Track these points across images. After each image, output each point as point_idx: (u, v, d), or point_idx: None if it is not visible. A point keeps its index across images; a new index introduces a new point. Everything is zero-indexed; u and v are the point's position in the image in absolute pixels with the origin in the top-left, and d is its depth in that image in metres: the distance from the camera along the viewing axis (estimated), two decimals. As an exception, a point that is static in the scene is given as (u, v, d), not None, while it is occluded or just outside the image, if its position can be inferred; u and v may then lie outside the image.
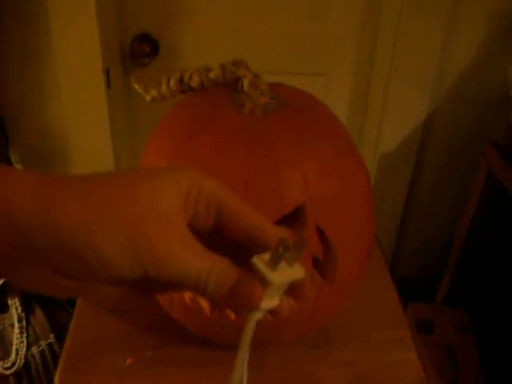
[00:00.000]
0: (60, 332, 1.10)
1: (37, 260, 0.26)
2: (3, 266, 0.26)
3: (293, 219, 0.50)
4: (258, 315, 0.29)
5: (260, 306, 0.28)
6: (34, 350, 1.08)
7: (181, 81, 0.59)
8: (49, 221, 0.25)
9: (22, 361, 1.05)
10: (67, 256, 0.25)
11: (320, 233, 0.50)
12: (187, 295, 0.54)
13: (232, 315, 0.53)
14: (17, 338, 1.04)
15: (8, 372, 1.05)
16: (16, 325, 1.04)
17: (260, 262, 0.29)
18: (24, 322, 1.05)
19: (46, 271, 0.26)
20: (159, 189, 0.27)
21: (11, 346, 1.05)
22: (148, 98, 0.61)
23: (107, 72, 1.13)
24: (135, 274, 0.27)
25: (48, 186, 0.26)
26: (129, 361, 0.61)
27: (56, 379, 0.59)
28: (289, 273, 0.29)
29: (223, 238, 0.31)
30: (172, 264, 0.27)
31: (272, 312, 0.30)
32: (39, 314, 1.09)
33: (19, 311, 1.04)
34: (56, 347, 1.10)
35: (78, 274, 0.26)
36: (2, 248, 0.25)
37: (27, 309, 1.06)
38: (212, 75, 0.57)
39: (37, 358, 1.09)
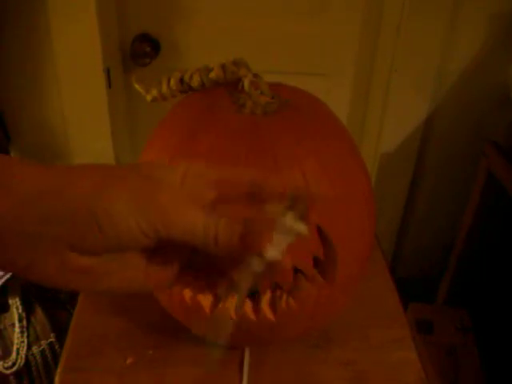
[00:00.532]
0: (61, 331, 1.10)
1: (54, 236, 0.27)
2: (22, 247, 0.27)
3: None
4: (259, 265, 0.30)
5: (266, 251, 0.29)
6: (35, 349, 1.08)
7: (181, 81, 0.59)
8: (66, 193, 0.27)
9: (23, 360, 1.05)
10: (84, 226, 0.27)
11: (320, 233, 0.50)
12: (187, 295, 0.54)
13: (233, 314, 0.53)
14: (17, 338, 1.05)
15: (9, 371, 1.05)
16: (17, 324, 1.04)
17: (272, 208, 0.31)
18: (25, 322, 1.05)
19: (62, 250, 0.28)
20: (159, 168, 0.31)
21: (12, 345, 1.05)
22: (148, 97, 0.62)
23: (108, 71, 1.13)
24: (148, 238, 0.28)
25: (60, 170, 0.29)
26: (129, 360, 0.61)
27: (57, 379, 0.59)
28: (295, 224, 0.31)
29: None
30: (181, 221, 0.28)
31: (271, 267, 0.31)
32: (40, 314, 1.09)
33: (20, 311, 1.04)
34: (57, 347, 1.11)
35: (93, 246, 0.28)
36: (23, 224, 0.27)
37: (28, 308, 1.07)
38: (212, 75, 0.57)
39: (37, 357, 1.09)
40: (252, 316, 0.52)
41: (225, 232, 0.29)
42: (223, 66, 0.57)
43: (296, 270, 0.51)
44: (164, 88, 0.60)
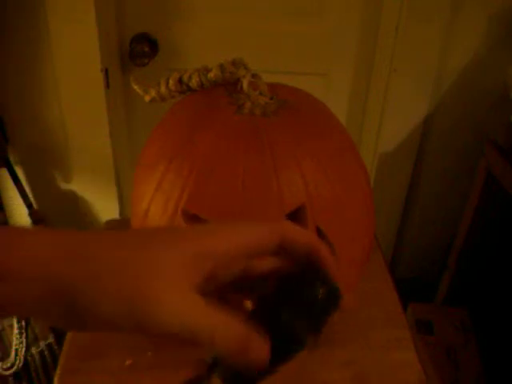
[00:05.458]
0: (59, 333, 1.10)
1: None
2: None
3: (293, 219, 0.50)
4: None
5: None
6: (34, 350, 1.08)
7: (180, 81, 0.59)
8: (56, 280, 0.26)
9: (22, 361, 1.05)
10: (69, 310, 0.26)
11: (319, 233, 0.50)
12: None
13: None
14: (16, 339, 1.04)
15: (7, 373, 1.05)
16: (15, 325, 1.04)
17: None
18: (23, 323, 1.05)
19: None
20: (162, 259, 0.27)
21: (10, 346, 1.05)
22: (147, 98, 0.61)
23: (106, 72, 1.13)
24: (132, 332, 0.27)
25: (57, 253, 0.27)
26: (128, 362, 0.61)
27: (55, 380, 0.59)
28: None
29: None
30: (169, 324, 0.26)
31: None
32: (38, 315, 1.08)
33: (18, 312, 1.04)
34: (55, 348, 1.10)
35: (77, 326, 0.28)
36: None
37: (26, 309, 1.06)
38: (211, 75, 0.57)
39: (36, 358, 1.08)
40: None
41: (221, 341, 0.27)
42: (222, 67, 0.57)
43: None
44: (163, 88, 0.60)
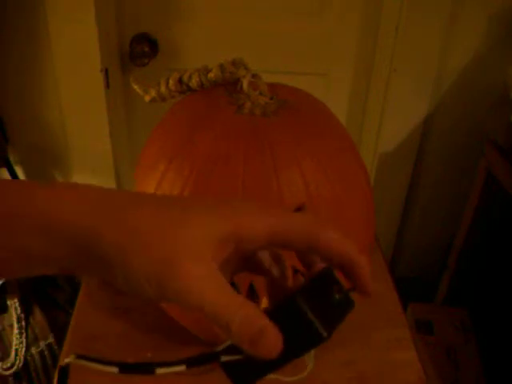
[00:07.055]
0: (59, 332, 1.10)
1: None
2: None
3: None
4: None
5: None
6: (34, 350, 1.08)
7: (180, 81, 0.59)
8: (91, 243, 0.27)
9: (22, 361, 1.05)
10: (104, 271, 0.28)
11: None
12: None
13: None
14: (16, 339, 1.04)
15: (7, 373, 1.05)
16: (15, 325, 1.04)
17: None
18: (23, 323, 1.05)
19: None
20: (197, 234, 0.28)
21: (10, 346, 1.05)
22: (147, 98, 0.61)
23: (106, 72, 1.13)
24: (157, 300, 0.28)
25: (92, 210, 0.28)
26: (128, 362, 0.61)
27: (55, 380, 0.59)
28: None
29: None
30: (192, 299, 0.27)
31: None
32: (38, 315, 1.08)
33: (18, 312, 1.04)
34: (55, 348, 1.10)
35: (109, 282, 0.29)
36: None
37: (26, 309, 1.06)
38: (211, 75, 0.57)
39: (36, 358, 1.08)
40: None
41: (238, 327, 0.27)
42: (222, 67, 0.57)
43: (295, 271, 0.50)
44: (163, 88, 0.60)
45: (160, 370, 0.29)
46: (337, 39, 1.18)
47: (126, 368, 0.31)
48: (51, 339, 1.09)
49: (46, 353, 1.09)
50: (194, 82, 0.58)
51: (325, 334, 0.28)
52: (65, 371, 0.32)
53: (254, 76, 0.57)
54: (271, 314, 0.28)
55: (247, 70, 0.57)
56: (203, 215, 0.28)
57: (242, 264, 0.32)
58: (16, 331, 1.04)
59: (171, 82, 0.59)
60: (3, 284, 1.03)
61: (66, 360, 0.31)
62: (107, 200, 0.28)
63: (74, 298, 0.72)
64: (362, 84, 1.23)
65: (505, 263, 1.18)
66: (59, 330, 1.10)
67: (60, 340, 1.10)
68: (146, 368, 0.30)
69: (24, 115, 1.19)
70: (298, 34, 1.17)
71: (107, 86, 1.14)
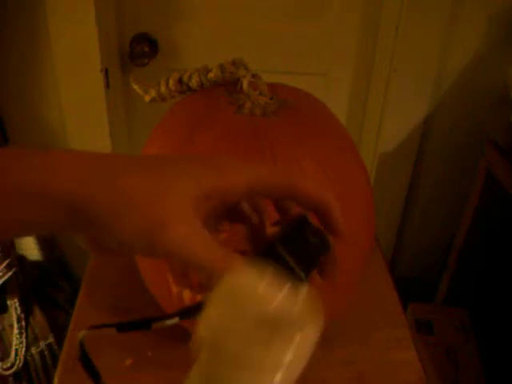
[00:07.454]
0: (59, 332, 1.10)
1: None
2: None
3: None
4: None
5: None
6: (34, 350, 1.08)
7: (180, 81, 0.59)
8: (84, 207, 0.29)
9: (22, 361, 1.05)
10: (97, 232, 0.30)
11: (320, 233, 0.50)
12: (187, 296, 0.54)
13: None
14: (16, 339, 1.04)
15: (7, 373, 1.05)
16: (15, 325, 1.04)
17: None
18: (23, 323, 1.05)
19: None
20: (175, 187, 0.30)
21: (10, 346, 1.05)
22: (147, 98, 0.61)
23: (106, 72, 1.13)
24: (146, 255, 0.30)
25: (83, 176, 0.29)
26: (129, 361, 0.61)
27: (55, 380, 0.59)
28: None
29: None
30: (179, 254, 0.29)
31: None
32: (38, 315, 1.09)
33: (18, 312, 1.04)
34: (55, 348, 1.10)
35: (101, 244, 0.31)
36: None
37: (26, 309, 1.06)
38: (211, 75, 0.57)
39: (36, 358, 1.08)
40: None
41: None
42: (222, 67, 0.57)
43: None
44: (163, 88, 0.60)
45: (156, 325, 0.31)
46: (337, 39, 1.18)
47: (123, 327, 0.33)
48: (51, 339, 1.10)
49: (46, 353, 1.09)
50: (194, 82, 0.58)
51: (304, 277, 0.31)
52: (82, 346, 0.36)
53: (253, 76, 0.57)
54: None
55: (247, 70, 0.57)
56: (190, 174, 0.30)
57: (225, 214, 0.34)
58: (16, 331, 1.04)
59: (171, 82, 0.59)
60: (3, 284, 1.03)
61: (80, 334, 0.35)
62: (100, 166, 0.30)
63: (74, 298, 0.72)
64: (362, 84, 1.23)
65: (505, 263, 1.18)
66: (59, 329, 1.10)
67: (60, 340, 1.10)
68: (143, 324, 0.32)
69: (24, 115, 1.19)
70: (298, 34, 1.17)
71: (107, 86, 1.14)
